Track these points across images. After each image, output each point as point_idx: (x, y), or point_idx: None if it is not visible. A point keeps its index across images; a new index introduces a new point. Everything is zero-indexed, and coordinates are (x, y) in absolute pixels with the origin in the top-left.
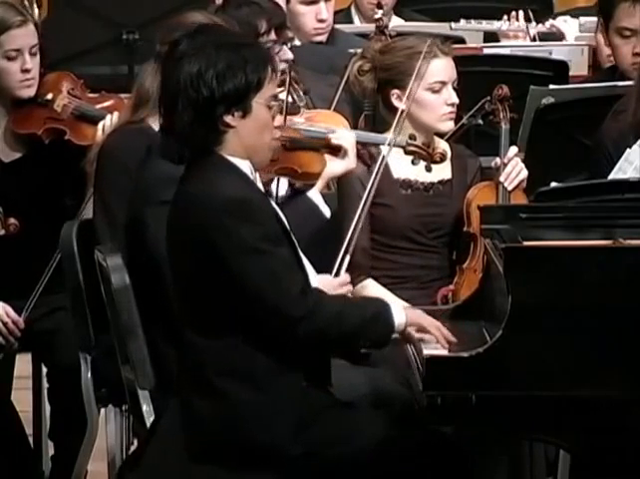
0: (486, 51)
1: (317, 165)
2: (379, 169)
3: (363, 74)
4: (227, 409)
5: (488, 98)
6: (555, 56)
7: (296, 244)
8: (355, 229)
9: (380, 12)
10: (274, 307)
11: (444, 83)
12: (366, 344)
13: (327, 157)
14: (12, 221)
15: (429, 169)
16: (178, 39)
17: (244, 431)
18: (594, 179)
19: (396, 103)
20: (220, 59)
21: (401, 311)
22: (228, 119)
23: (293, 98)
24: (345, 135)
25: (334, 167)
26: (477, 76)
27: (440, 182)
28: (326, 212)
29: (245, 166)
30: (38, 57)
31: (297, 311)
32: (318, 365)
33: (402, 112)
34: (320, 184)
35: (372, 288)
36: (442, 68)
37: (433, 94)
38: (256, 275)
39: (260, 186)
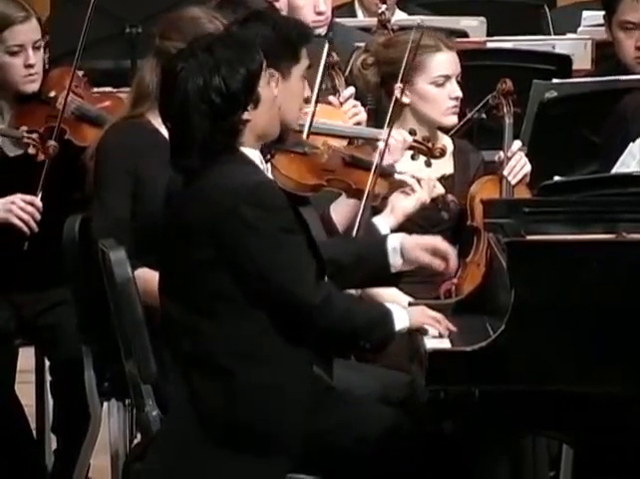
0: (490, 45)
1: (375, 186)
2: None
3: (366, 68)
4: (233, 395)
5: (495, 94)
6: (558, 50)
7: (312, 234)
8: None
9: (383, 6)
10: (292, 294)
11: (448, 77)
12: (366, 346)
13: (398, 194)
14: (51, 143)
15: (428, 164)
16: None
17: (249, 418)
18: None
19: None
20: (218, 62)
21: (404, 318)
22: (245, 115)
23: (335, 84)
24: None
25: (406, 203)
26: (479, 70)
27: (442, 177)
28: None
29: (255, 156)
30: (41, 52)
31: (314, 299)
32: (321, 361)
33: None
34: (393, 222)
35: None
36: (446, 62)
37: (436, 88)
38: (273, 262)
39: (270, 176)
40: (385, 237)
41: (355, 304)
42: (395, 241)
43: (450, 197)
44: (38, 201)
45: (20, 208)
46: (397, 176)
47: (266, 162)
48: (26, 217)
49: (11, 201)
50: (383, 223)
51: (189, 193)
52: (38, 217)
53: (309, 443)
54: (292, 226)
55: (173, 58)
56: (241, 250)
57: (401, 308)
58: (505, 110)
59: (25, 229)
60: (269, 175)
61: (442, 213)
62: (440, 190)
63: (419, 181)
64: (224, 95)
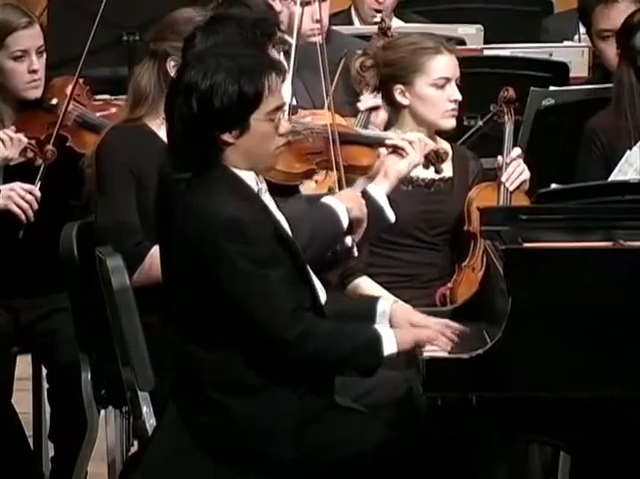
0: (487, 52)
1: (365, 158)
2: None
3: (365, 70)
4: (224, 418)
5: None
6: (556, 57)
7: (303, 261)
8: None
9: (379, 16)
10: (264, 329)
11: (447, 79)
12: (352, 374)
13: (390, 157)
14: (49, 147)
15: (427, 166)
16: (193, 33)
17: (241, 439)
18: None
19: (399, 98)
20: (216, 69)
21: (392, 341)
22: (225, 136)
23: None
24: (405, 135)
25: (399, 166)
26: (477, 77)
27: (441, 179)
28: (391, 215)
29: (250, 177)
30: (44, 58)
31: (287, 334)
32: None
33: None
34: (387, 186)
35: (366, 286)
36: (446, 64)
37: (436, 90)
38: (247, 296)
39: (267, 197)
40: (376, 299)
41: (340, 333)
42: (385, 305)
43: (442, 149)
44: (37, 190)
45: (19, 195)
46: (387, 141)
47: None
48: (25, 205)
49: (10, 188)
50: (377, 189)
51: (189, 201)
52: (36, 206)
53: (308, 459)
54: (272, 259)
55: (193, 56)
56: (216, 280)
57: (390, 332)
58: (507, 117)
59: (23, 217)
60: (266, 195)
61: (436, 166)
62: (431, 145)
63: (410, 142)
64: (204, 105)
